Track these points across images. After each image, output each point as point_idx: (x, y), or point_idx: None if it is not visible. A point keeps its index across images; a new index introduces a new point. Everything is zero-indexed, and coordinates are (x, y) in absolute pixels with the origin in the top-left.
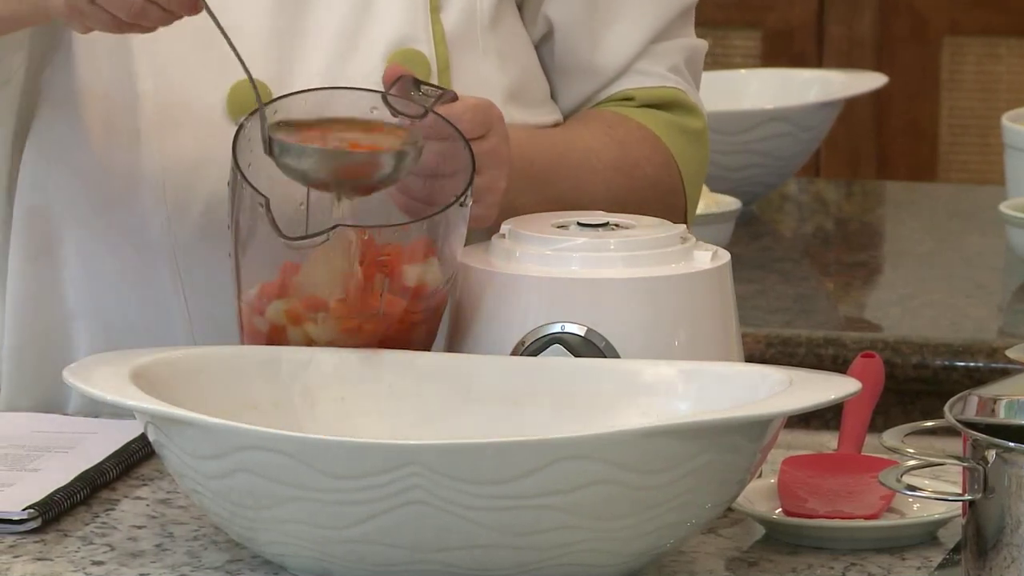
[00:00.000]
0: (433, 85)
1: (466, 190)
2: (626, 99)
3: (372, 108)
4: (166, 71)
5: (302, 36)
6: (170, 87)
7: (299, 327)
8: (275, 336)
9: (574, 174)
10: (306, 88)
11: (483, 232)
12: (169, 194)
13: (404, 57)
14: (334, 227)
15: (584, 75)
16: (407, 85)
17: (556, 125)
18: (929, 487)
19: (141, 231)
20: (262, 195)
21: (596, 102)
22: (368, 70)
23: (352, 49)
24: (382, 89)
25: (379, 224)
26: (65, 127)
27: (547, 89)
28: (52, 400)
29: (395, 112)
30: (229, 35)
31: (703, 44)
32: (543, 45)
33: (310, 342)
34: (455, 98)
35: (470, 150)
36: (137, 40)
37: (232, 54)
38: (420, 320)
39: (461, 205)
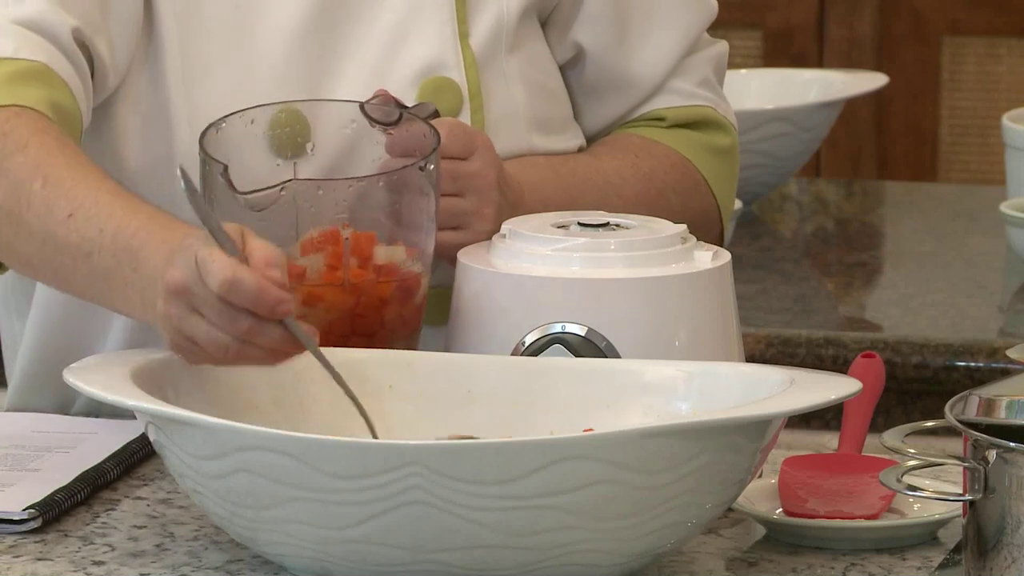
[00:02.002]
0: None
1: (429, 156)
2: (657, 119)
3: (351, 120)
4: (203, 104)
5: (334, 63)
6: (207, 120)
7: None
8: None
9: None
10: (284, 100)
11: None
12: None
13: (436, 85)
14: (288, 180)
15: (617, 95)
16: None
17: (580, 149)
18: (929, 487)
19: None
20: (221, 163)
21: (626, 121)
22: (398, 97)
23: (383, 76)
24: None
25: (334, 177)
26: (108, 159)
27: (570, 113)
28: (60, 405)
29: (372, 121)
30: (262, 65)
31: (725, 46)
32: (570, 68)
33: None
34: (436, 113)
35: (434, 128)
36: (176, 95)
37: (268, 90)
38: (389, 297)
39: (421, 169)
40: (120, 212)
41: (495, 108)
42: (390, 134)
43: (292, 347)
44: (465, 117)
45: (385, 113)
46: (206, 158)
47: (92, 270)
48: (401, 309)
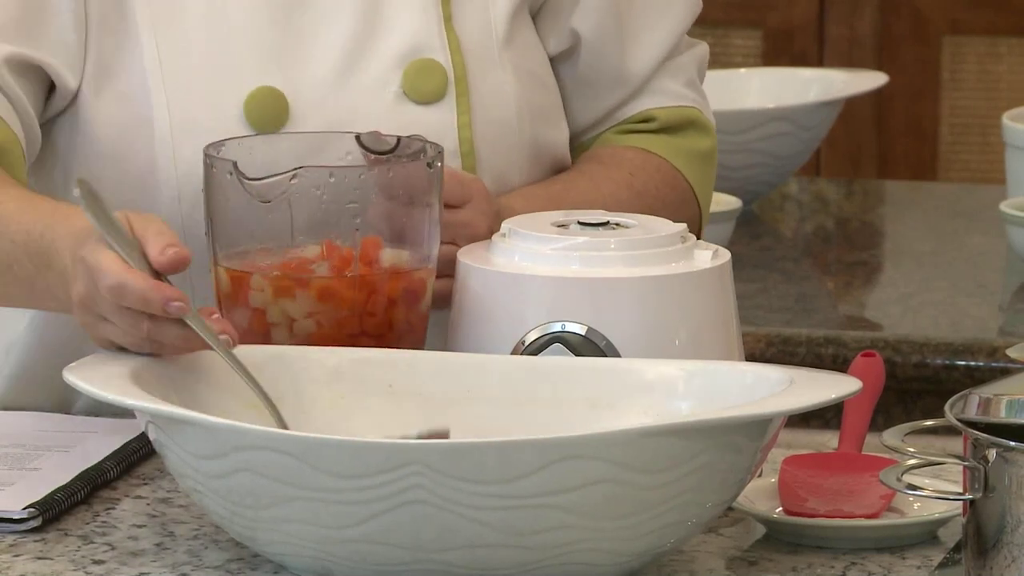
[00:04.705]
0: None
1: (435, 156)
2: (647, 120)
3: (347, 153)
4: (181, 81)
5: (307, 45)
6: (186, 96)
7: (277, 304)
8: (255, 322)
9: None
10: (291, 131)
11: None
12: (184, 203)
13: (421, 67)
14: (299, 167)
15: (610, 87)
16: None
17: (570, 144)
18: (929, 486)
19: None
20: (229, 160)
21: (619, 120)
22: (380, 79)
23: (362, 58)
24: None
25: (342, 166)
26: (80, 137)
27: (560, 104)
28: (60, 403)
29: (367, 151)
30: (234, 48)
31: (706, 47)
32: (563, 59)
33: (290, 321)
34: (424, 149)
35: (436, 147)
36: (152, 52)
37: (244, 63)
38: (398, 298)
39: (428, 167)
40: (28, 217)
41: (484, 94)
42: (382, 162)
43: (196, 343)
44: (450, 101)
45: (381, 142)
46: (212, 161)
47: (16, 279)
48: (408, 313)
